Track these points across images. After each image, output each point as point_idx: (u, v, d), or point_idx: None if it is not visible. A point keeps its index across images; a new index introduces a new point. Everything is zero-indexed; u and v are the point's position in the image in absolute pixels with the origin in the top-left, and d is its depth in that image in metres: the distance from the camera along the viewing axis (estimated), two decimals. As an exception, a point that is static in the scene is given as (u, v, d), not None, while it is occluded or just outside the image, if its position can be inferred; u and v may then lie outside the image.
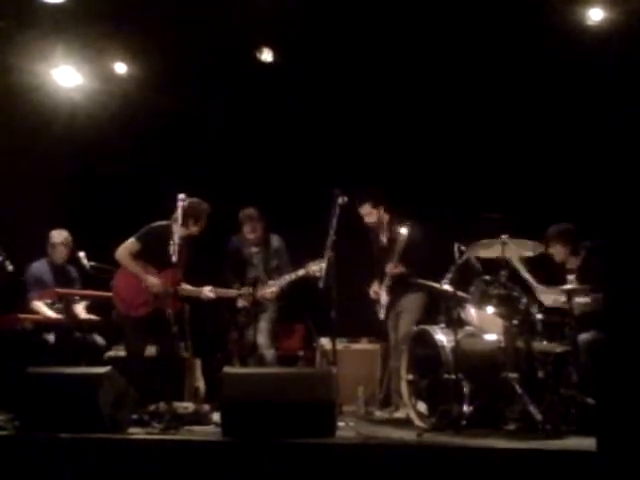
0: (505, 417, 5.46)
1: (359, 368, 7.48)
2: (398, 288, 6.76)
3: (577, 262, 6.17)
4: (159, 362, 6.31)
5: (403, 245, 6.61)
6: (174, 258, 5.79)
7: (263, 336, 6.91)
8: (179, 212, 5.95)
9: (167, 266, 5.97)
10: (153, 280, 6.18)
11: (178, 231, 5.92)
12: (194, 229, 6.32)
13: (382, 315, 6.85)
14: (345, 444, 4.95)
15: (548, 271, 6.23)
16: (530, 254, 5.86)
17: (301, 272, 6.72)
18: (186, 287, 6.44)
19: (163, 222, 6.30)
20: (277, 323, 7.09)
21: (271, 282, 6.90)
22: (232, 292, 6.80)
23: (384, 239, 6.92)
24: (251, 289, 6.78)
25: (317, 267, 6.44)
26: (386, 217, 6.91)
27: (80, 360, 6.68)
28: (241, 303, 6.95)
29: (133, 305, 6.20)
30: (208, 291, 6.51)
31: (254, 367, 6.68)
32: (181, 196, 5.99)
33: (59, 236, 7.15)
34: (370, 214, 6.88)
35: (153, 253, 6.20)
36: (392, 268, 6.69)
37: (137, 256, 6.29)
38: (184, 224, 6.06)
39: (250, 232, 7.07)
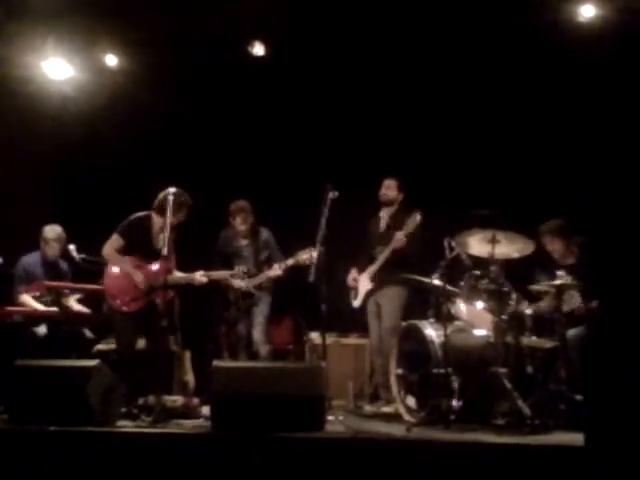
0: (494, 412, 5.47)
1: (349, 362, 7.51)
2: (385, 275, 6.73)
3: (569, 259, 6.16)
4: (148, 355, 6.29)
5: (413, 227, 6.52)
6: (164, 251, 5.78)
7: (258, 332, 6.92)
8: (170, 204, 5.93)
9: (155, 256, 5.99)
10: (139, 276, 6.15)
11: (159, 221, 6.02)
12: (173, 220, 6.23)
13: (356, 303, 6.86)
14: (334, 438, 4.95)
15: (539, 267, 6.23)
16: (515, 255, 5.84)
17: (291, 261, 6.73)
18: (177, 275, 6.40)
19: (142, 213, 6.28)
20: (269, 318, 7.10)
21: (275, 265, 6.89)
22: (225, 274, 6.73)
23: (384, 225, 6.94)
24: (243, 268, 6.72)
25: (307, 255, 6.45)
26: (398, 204, 6.94)
27: (69, 353, 6.67)
28: (232, 296, 6.96)
29: (124, 301, 6.16)
30: (200, 276, 6.43)
31: (245, 361, 6.68)
32: (171, 189, 5.97)
33: (52, 232, 7.09)
34: (390, 188, 6.94)
35: (138, 245, 6.18)
36: (400, 237, 6.52)
37: (123, 251, 6.25)
38: (161, 214, 6.06)
39: (241, 223, 7.08)
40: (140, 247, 6.18)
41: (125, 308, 6.16)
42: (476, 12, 7.16)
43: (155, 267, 6.11)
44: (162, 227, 6.00)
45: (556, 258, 6.19)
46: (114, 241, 6.24)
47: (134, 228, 6.23)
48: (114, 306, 6.20)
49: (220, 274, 6.69)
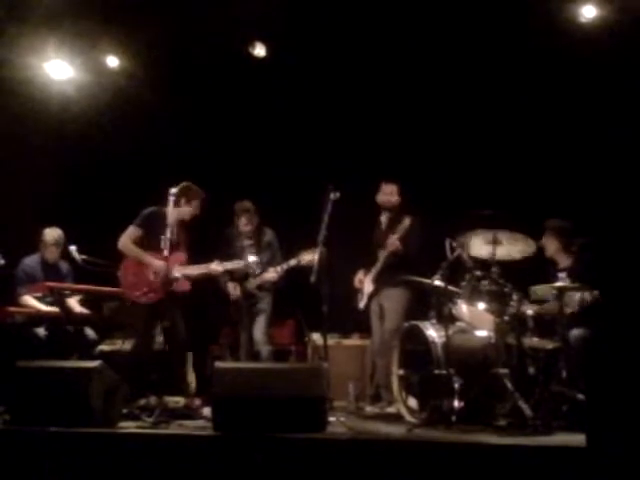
0: (495, 413, 5.46)
1: (350, 363, 7.50)
2: (386, 277, 6.76)
3: (569, 261, 6.15)
4: (164, 355, 6.30)
5: (404, 231, 6.63)
6: (168, 234, 5.87)
7: (260, 332, 6.91)
8: (170, 205, 5.94)
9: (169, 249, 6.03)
10: (158, 263, 6.11)
11: (173, 213, 6.04)
12: (186, 210, 6.29)
13: (362, 305, 6.88)
14: (336, 439, 4.95)
15: (540, 269, 6.23)
16: (517, 257, 5.84)
17: (293, 262, 6.74)
18: (192, 267, 6.35)
19: (156, 207, 6.31)
20: (271, 319, 7.10)
21: (271, 269, 6.89)
22: (239, 263, 6.58)
23: (384, 228, 6.96)
24: (257, 260, 6.64)
25: (310, 256, 6.46)
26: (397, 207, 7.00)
27: (71, 354, 6.67)
28: (234, 296, 6.97)
29: (143, 292, 6.12)
30: (215, 265, 6.38)
31: (246, 362, 6.69)
32: (172, 190, 5.98)
33: (50, 236, 7.10)
34: (393, 194, 6.98)
35: (153, 238, 6.18)
36: (393, 241, 6.65)
37: (138, 243, 6.26)
38: (176, 204, 6.11)
39: (246, 224, 7.08)
40: (155, 239, 6.16)
41: (144, 299, 6.12)
42: (477, 13, 7.17)
43: (169, 259, 6.06)
44: (176, 219, 6.13)
45: (547, 255, 6.17)
46: (130, 233, 6.26)
47: (152, 219, 6.27)
48: (132, 297, 6.17)
49: (234, 264, 6.58)
